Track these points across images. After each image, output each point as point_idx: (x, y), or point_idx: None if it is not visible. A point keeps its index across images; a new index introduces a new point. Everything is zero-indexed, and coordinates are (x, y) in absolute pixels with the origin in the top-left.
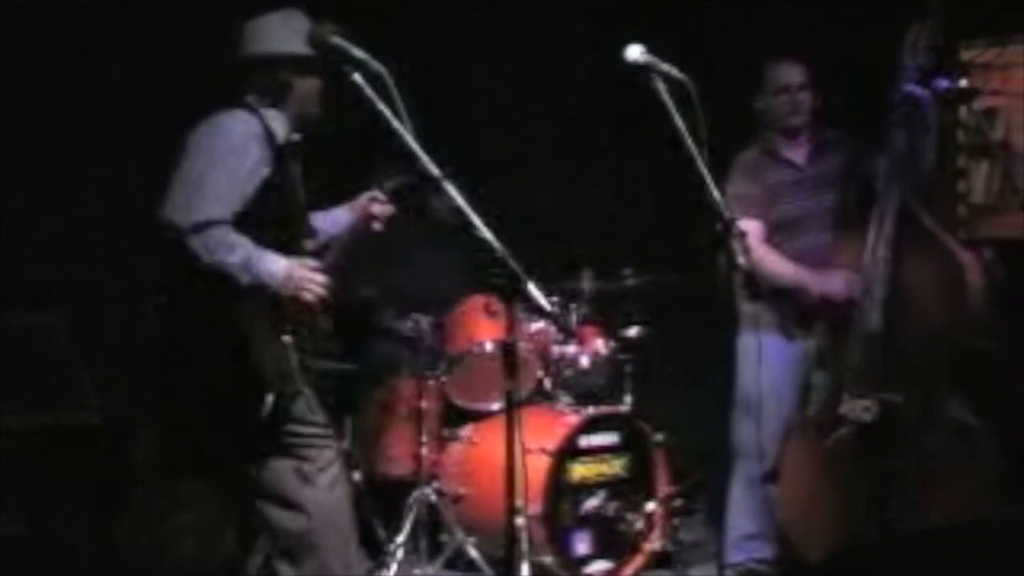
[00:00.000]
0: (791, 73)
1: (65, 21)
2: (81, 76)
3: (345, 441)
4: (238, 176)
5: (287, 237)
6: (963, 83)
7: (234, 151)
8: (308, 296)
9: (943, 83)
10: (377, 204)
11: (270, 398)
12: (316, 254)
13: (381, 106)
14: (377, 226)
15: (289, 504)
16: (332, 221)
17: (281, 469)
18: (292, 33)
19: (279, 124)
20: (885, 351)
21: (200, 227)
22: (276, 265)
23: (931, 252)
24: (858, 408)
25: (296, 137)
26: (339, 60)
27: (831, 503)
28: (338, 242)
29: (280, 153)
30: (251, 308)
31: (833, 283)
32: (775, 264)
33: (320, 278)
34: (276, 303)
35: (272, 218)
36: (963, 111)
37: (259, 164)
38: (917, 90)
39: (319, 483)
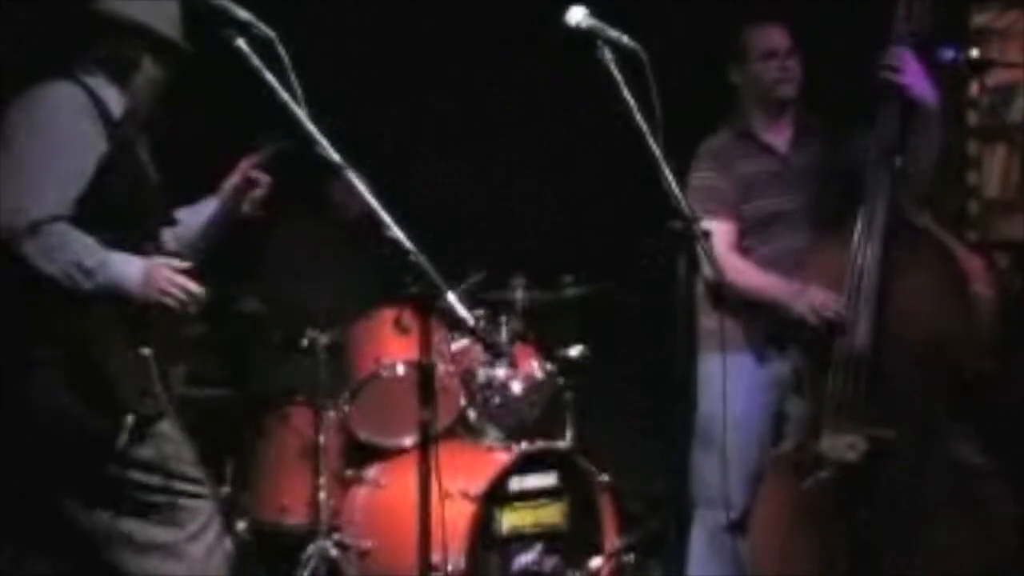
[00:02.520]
0: (777, 36)
1: None
2: None
3: (225, 486)
4: (69, 160)
5: (136, 231)
6: (973, 53)
7: (61, 130)
8: (170, 302)
9: (948, 53)
10: (254, 172)
11: (129, 419)
12: (177, 254)
13: (270, 77)
14: (252, 200)
15: None
16: (199, 215)
17: (142, 542)
18: (160, 9)
19: (112, 96)
20: (873, 377)
21: (35, 227)
22: (131, 266)
23: (929, 258)
24: (841, 445)
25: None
26: (220, 21)
27: (810, 559)
28: (203, 233)
29: (116, 128)
30: (99, 313)
31: (814, 298)
32: (745, 273)
33: (185, 281)
34: (133, 309)
35: (115, 208)
36: (974, 87)
37: (93, 142)
38: (917, 85)
39: (191, 554)
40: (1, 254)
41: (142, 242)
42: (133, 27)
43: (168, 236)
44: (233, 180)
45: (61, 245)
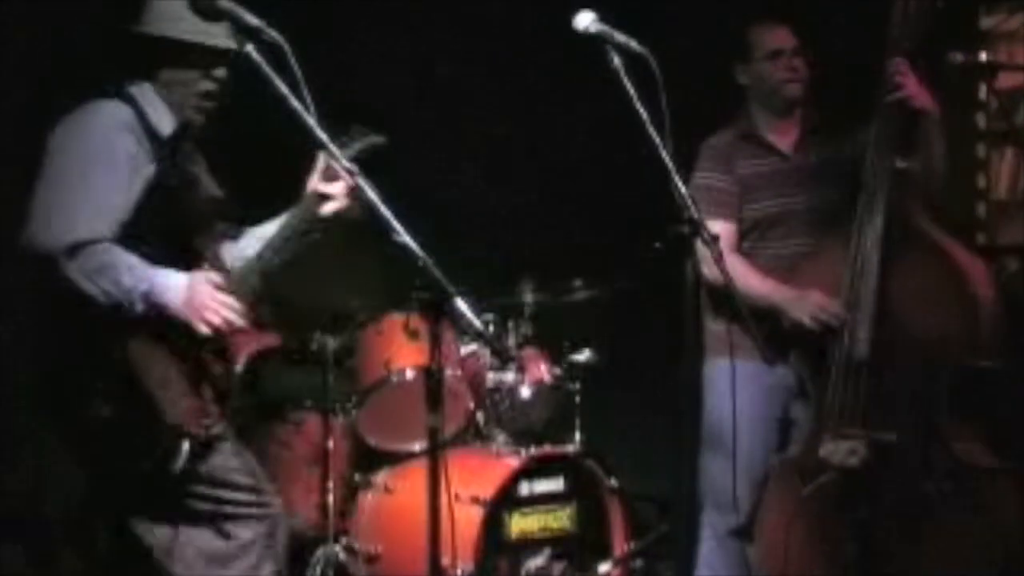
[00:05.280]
0: (783, 35)
1: None
2: None
3: None
4: (115, 179)
5: (184, 249)
6: (982, 56)
7: (102, 151)
8: (213, 318)
9: (957, 57)
10: (333, 177)
11: (185, 445)
12: (228, 270)
13: (279, 82)
14: (337, 203)
15: None
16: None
17: (193, 553)
18: (163, 14)
19: (161, 112)
20: (874, 381)
21: (75, 249)
22: (173, 283)
23: (926, 260)
24: (842, 450)
25: (181, 127)
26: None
27: (814, 563)
28: (279, 239)
29: (165, 146)
30: (151, 334)
31: (809, 304)
32: (744, 277)
33: (225, 297)
34: (183, 328)
35: (162, 226)
36: (982, 91)
37: (137, 162)
38: (919, 95)
39: (237, 567)
40: (49, 276)
41: (192, 260)
42: (182, 45)
43: (227, 252)
44: (314, 183)
45: (100, 266)
